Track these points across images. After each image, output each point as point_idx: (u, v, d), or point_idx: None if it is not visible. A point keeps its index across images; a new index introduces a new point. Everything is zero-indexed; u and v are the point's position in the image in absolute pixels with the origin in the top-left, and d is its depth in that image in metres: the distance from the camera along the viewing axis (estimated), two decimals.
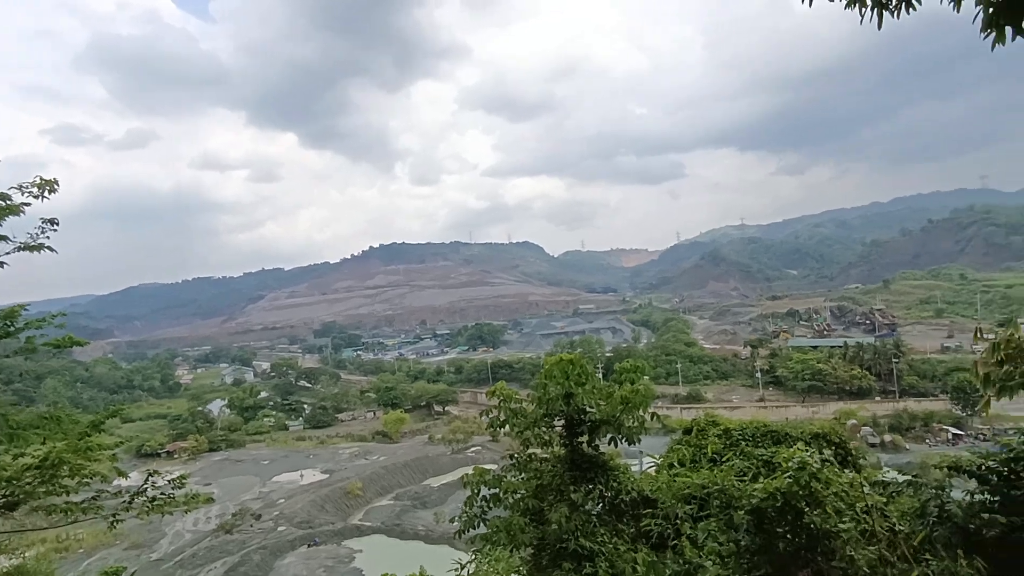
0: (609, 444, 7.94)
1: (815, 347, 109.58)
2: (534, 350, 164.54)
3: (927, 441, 70.36)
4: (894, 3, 3.33)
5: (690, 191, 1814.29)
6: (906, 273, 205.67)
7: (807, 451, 5.10)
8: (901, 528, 4.90)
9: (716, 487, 5.69)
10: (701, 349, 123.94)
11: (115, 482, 10.16)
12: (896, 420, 73.89)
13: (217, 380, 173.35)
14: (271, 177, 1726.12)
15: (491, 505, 7.74)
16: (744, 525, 5.04)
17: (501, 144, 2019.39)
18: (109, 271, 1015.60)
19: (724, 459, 7.88)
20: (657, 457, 10.59)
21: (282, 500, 63.14)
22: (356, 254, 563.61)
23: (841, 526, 4.63)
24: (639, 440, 7.75)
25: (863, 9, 3.28)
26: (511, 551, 7.96)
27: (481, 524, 7.64)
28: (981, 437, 66.66)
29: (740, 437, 10.69)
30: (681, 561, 5.63)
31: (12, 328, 8.01)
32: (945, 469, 6.06)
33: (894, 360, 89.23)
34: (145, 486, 9.04)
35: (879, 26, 3.41)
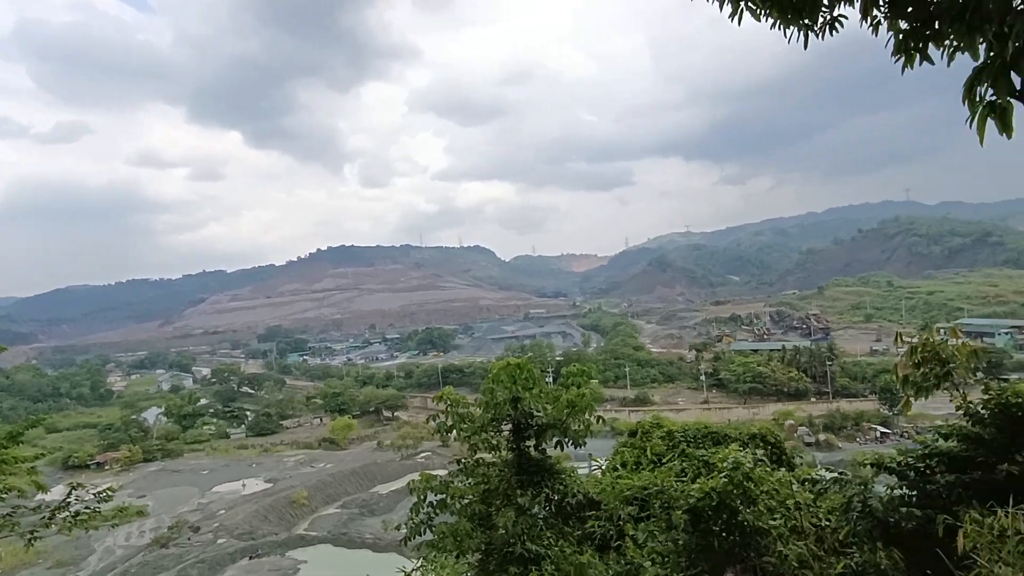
0: (556, 448, 8.02)
1: (756, 351, 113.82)
2: (485, 354, 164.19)
3: (858, 440, 74.03)
4: (818, 25, 3.53)
5: (639, 198, 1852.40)
6: (838, 280, 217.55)
7: (742, 451, 5.30)
8: (827, 523, 5.15)
9: (656, 488, 5.83)
10: (648, 353, 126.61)
11: (37, 496, 9.55)
12: (830, 420, 77.54)
13: (153, 387, 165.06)
14: (214, 176, 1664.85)
15: (438, 511, 7.69)
16: (682, 524, 5.19)
17: (453, 147, 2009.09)
18: (35, 272, 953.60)
19: (665, 460, 8.08)
20: (602, 460, 10.76)
21: (222, 511, 60.82)
22: (303, 256, 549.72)
23: (772, 523, 4.83)
24: (585, 443, 7.85)
25: (788, 29, 3.46)
26: (457, 557, 7.92)
27: (428, 531, 7.58)
28: (906, 435, 70.66)
29: (682, 439, 10.97)
30: (623, 562, 5.74)
31: None
32: (869, 466, 6.42)
33: (828, 363, 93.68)
34: (68, 500, 8.52)
35: (805, 46, 3.60)
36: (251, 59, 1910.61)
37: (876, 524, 5.35)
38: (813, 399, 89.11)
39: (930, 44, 3.08)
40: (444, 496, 7.70)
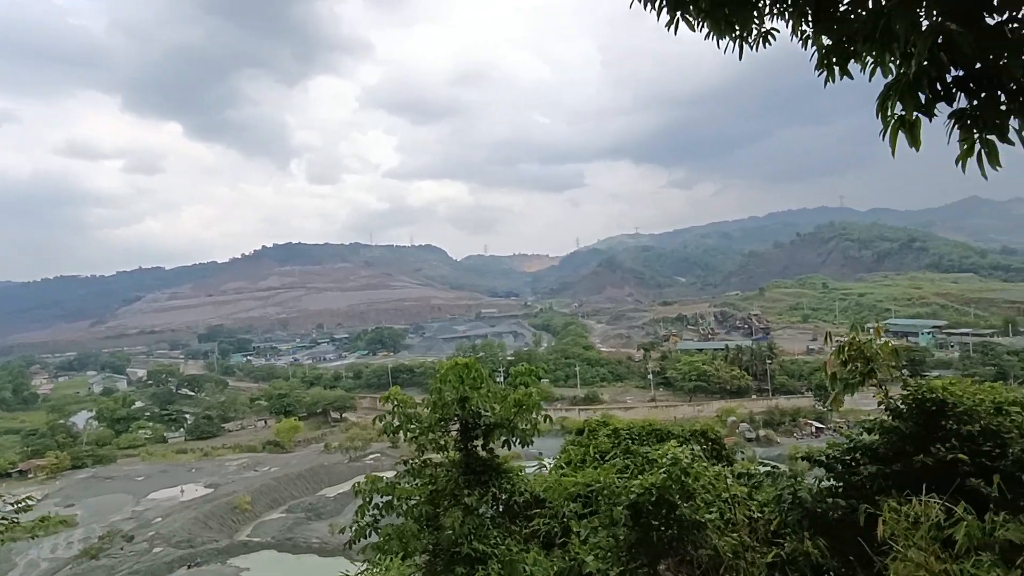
0: (503, 447, 8.06)
1: (701, 350, 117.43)
2: (436, 354, 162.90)
3: (795, 435, 77.31)
4: (752, 37, 3.69)
5: (590, 200, 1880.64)
6: (778, 282, 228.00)
7: (681, 447, 5.47)
8: (760, 515, 5.38)
9: (600, 485, 5.95)
10: (598, 352, 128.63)
11: None
12: (769, 416, 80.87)
13: (83, 390, 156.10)
14: (151, 169, 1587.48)
15: (384, 513, 7.60)
16: (623, 520, 5.32)
17: (404, 146, 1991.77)
18: None
19: (609, 458, 8.24)
20: (551, 459, 10.87)
21: (159, 519, 58.12)
22: (247, 253, 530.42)
23: (708, 516, 5.01)
24: (532, 442, 7.93)
25: (723, 41, 3.60)
26: (404, 558, 7.85)
27: (374, 533, 7.49)
28: (839, 430, 74.30)
29: (627, 436, 11.21)
30: (567, 558, 5.83)
31: None
32: (802, 460, 6.75)
33: (768, 361, 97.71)
34: None
35: (740, 57, 3.76)
36: (193, 48, 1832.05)
37: (805, 514, 5.63)
38: (754, 396, 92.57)
39: (851, 60, 3.28)
40: (390, 498, 7.62)
